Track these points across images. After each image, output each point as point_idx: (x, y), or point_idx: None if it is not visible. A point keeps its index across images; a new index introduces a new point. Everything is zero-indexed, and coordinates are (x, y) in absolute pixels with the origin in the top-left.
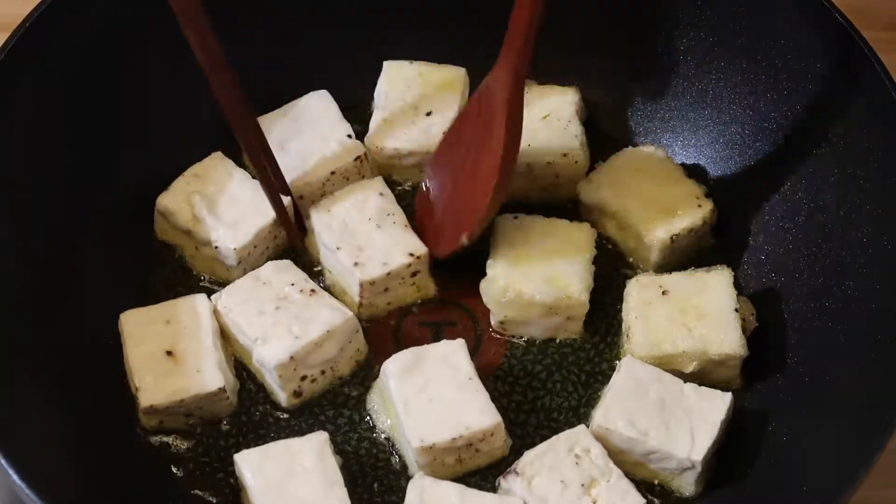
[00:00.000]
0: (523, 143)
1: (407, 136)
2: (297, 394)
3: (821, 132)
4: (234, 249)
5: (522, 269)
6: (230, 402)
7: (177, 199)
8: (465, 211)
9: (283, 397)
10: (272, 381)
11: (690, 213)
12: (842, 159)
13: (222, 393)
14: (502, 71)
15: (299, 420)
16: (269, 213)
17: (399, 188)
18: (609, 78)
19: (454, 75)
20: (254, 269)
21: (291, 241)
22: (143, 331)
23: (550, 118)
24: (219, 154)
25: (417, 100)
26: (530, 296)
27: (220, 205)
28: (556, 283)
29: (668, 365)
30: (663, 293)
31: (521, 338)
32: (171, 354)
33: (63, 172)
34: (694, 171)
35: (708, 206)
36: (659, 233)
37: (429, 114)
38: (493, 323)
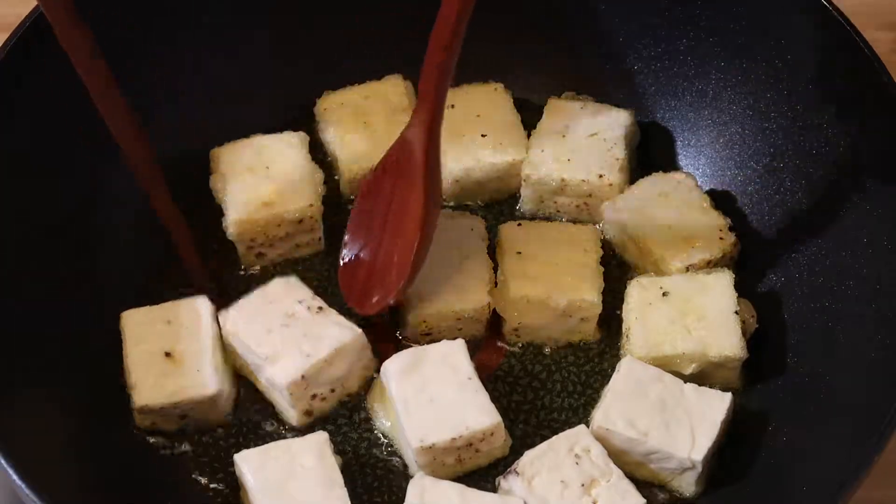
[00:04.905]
0: (563, 158)
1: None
2: (308, 413)
3: (821, 132)
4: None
5: (533, 276)
6: (225, 409)
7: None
8: (390, 270)
9: (293, 416)
10: (282, 400)
11: (710, 244)
12: (842, 159)
13: (218, 398)
14: (417, 128)
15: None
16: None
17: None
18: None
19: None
20: None
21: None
22: (143, 331)
23: (597, 137)
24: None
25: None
26: (544, 301)
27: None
28: (567, 286)
29: (668, 366)
30: (663, 294)
31: (536, 344)
32: (169, 356)
33: (63, 173)
34: (721, 198)
35: (730, 239)
36: (676, 262)
37: (484, 136)
38: (505, 330)
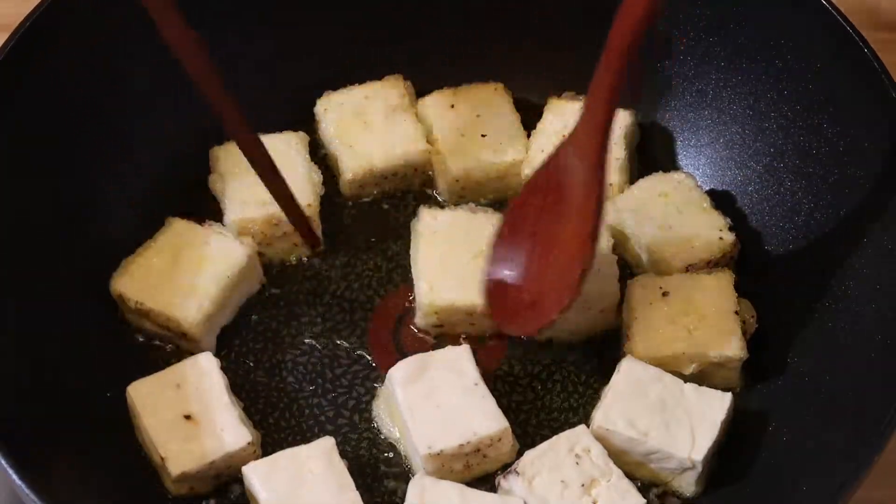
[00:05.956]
0: None
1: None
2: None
3: (821, 132)
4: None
5: None
6: (258, 455)
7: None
8: (549, 285)
9: None
10: None
11: (710, 244)
12: (842, 159)
13: (251, 447)
14: (587, 132)
15: (300, 421)
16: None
17: None
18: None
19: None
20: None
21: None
22: (155, 400)
23: None
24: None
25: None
26: None
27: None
28: (588, 278)
29: (668, 366)
30: (663, 294)
31: (556, 339)
32: (189, 418)
33: (63, 173)
34: (721, 198)
35: (730, 239)
36: (676, 262)
37: (484, 136)
38: None
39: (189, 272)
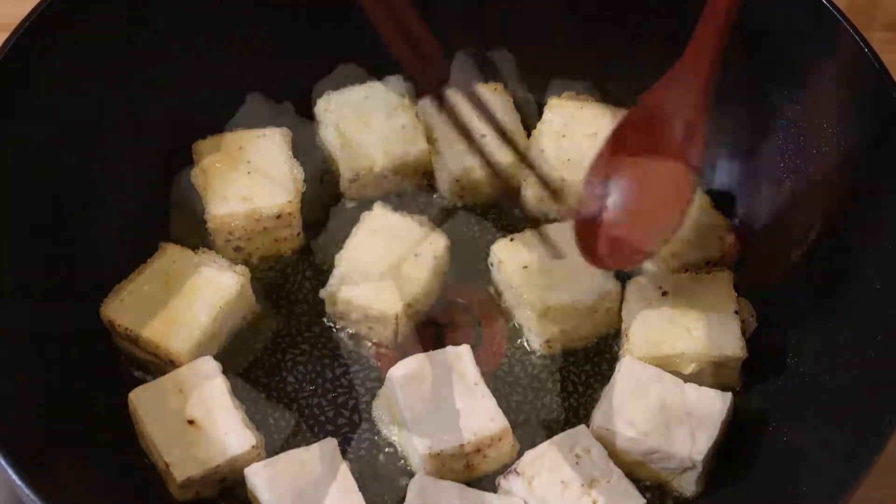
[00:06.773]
0: (563, 158)
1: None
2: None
3: (821, 132)
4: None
5: (549, 284)
6: (262, 458)
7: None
8: (647, 222)
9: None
10: None
11: (710, 244)
12: (842, 159)
13: (255, 450)
14: (691, 69)
15: (300, 421)
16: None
17: None
18: None
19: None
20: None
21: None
22: (157, 405)
23: (597, 137)
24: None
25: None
26: (572, 304)
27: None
28: (585, 282)
29: (667, 366)
30: (663, 294)
31: (557, 344)
32: (192, 423)
33: (63, 172)
34: (721, 198)
35: (730, 239)
36: (675, 262)
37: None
38: (537, 344)
39: (180, 301)
